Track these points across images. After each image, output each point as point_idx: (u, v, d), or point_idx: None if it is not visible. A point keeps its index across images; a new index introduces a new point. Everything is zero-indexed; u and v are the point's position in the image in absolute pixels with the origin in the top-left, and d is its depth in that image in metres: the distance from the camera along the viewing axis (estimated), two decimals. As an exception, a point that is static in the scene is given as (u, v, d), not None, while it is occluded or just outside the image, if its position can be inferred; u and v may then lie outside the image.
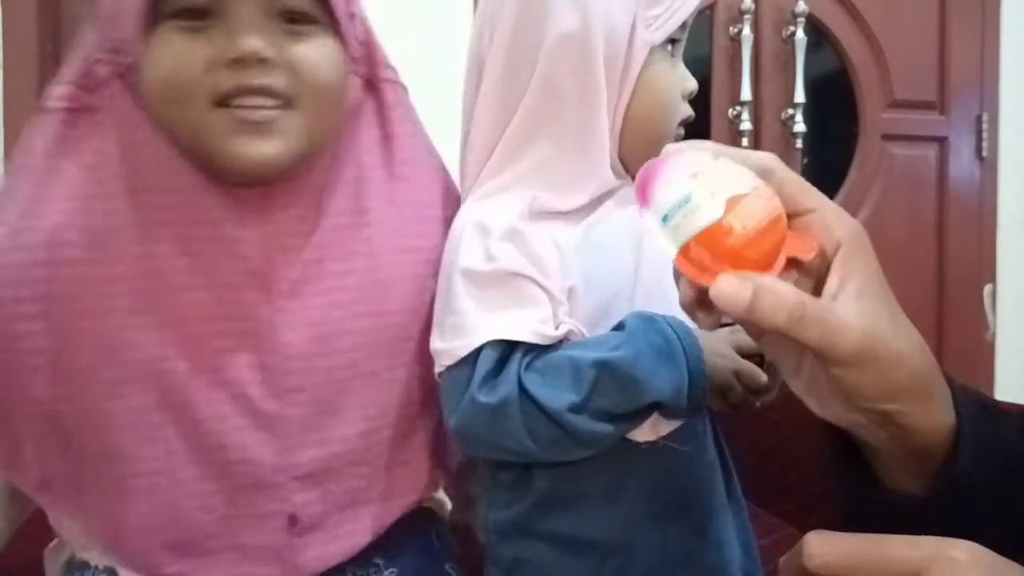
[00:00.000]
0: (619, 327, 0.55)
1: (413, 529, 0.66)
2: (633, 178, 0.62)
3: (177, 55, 0.49)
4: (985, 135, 1.90)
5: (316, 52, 0.52)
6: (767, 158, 0.40)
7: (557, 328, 0.54)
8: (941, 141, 1.90)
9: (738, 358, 0.57)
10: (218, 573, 0.56)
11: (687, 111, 0.62)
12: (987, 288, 1.91)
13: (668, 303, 0.59)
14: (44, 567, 0.66)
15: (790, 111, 1.78)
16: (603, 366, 0.52)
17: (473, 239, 0.56)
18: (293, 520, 0.57)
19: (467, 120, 0.62)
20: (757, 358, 0.57)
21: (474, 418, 0.53)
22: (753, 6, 1.74)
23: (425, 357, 0.58)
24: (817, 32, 1.82)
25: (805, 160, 1.82)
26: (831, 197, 1.66)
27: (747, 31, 1.74)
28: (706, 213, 0.36)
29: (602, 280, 0.58)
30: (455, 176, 0.66)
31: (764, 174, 0.39)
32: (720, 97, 1.76)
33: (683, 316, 0.60)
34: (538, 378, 0.53)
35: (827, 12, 1.81)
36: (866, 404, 0.38)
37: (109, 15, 0.51)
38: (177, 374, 0.53)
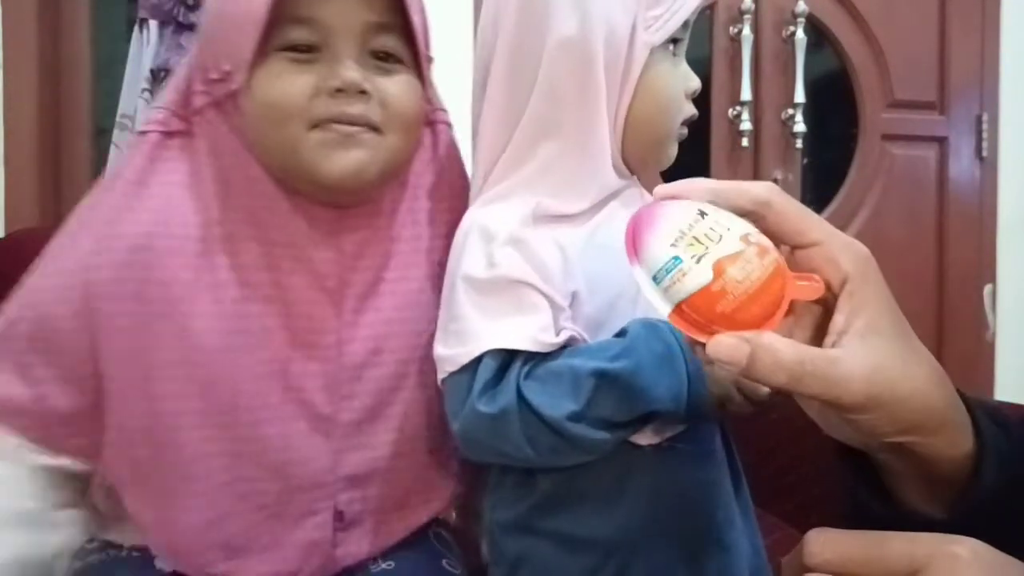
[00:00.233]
0: (621, 333, 0.55)
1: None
2: (634, 174, 0.63)
3: (286, 82, 0.55)
4: (985, 135, 1.90)
5: (402, 87, 0.58)
6: (764, 191, 0.38)
7: (558, 335, 0.55)
8: (941, 141, 1.90)
9: None
10: (263, 570, 0.59)
11: (690, 110, 0.62)
12: (987, 288, 1.91)
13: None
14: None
15: (790, 111, 1.78)
16: (603, 376, 0.52)
17: (476, 245, 0.57)
18: (339, 517, 0.61)
19: (475, 123, 0.63)
20: None
21: (475, 425, 0.54)
22: (753, 6, 1.75)
23: None
24: (817, 32, 1.82)
25: (805, 160, 1.82)
26: (831, 197, 1.67)
27: (747, 31, 1.74)
28: (694, 279, 0.35)
29: (606, 282, 0.58)
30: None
31: (762, 207, 0.38)
32: (720, 97, 1.77)
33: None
34: (538, 386, 0.53)
35: (827, 12, 1.82)
36: (880, 440, 0.37)
37: (218, 48, 0.57)
38: (248, 379, 0.57)
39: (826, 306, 0.38)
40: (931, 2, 1.87)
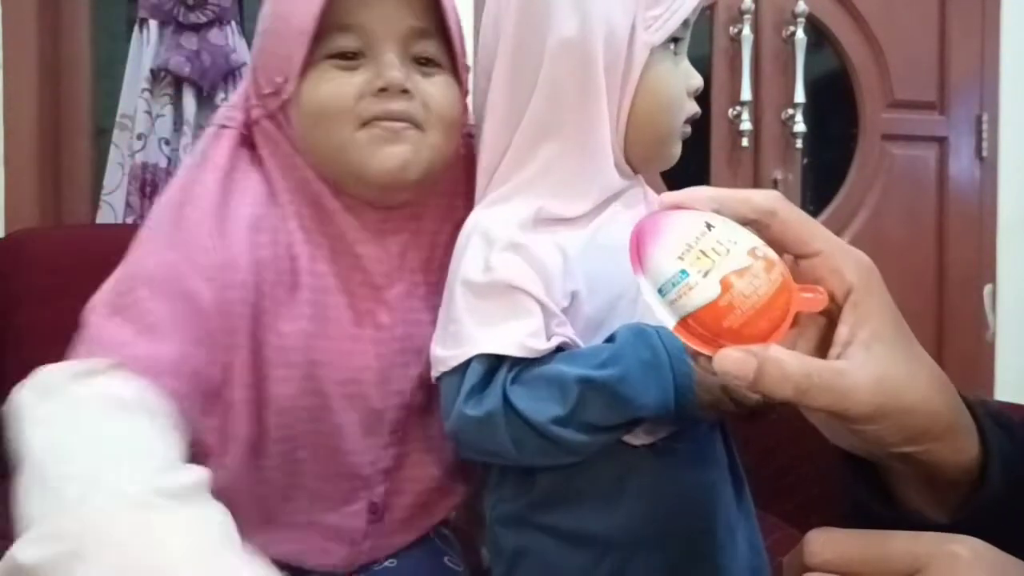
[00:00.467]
0: (611, 339, 0.56)
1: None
2: (638, 174, 0.63)
3: (333, 86, 0.58)
4: (985, 135, 1.90)
5: (442, 89, 0.61)
6: (769, 200, 0.38)
7: (549, 340, 0.55)
8: (941, 141, 1.90)
9: None
10: (295, 546, 0.63)
11: (692, 108, 0.62)
12: (987, 288, 1.91)
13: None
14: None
15: (790, 111, 1.78)
16: (588, 383, 0.53)
17: (476, 248, 0.57)
18: (373, 508, 0.64)
19: (478, 125, 0.63)
20: None
21: (463, 426, 0.55)
22: (753, 6, 1.75)
23: None
24: (817, 32, 1.82)
25: (805, 160, 1.83)
26: (831, 197, 1.67)
27: (747, 31, 1.74)
28: (701, 293, 0.35)
29: (606, 282, 0.58)
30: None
31: (767, 216, 0.38)
32: (720, 97, 1.77)
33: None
34: (524, 391, 0.54)
35: (827, 12, 1.82)
36: (886, 449, 0.37)
37: (270, 62, 0.60)
38: (320, 366, 0.60)
39: (829, 317, 0.38)
40: (931, 2, 1.87)
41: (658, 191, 0.65)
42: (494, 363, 0.55)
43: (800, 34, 1.76)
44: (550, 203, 0.58)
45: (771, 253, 0.37)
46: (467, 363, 0.55)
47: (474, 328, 0.55)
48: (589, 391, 0.53)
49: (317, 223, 0.61)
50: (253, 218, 0.59)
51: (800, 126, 1.77)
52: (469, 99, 0.65)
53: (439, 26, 0.61)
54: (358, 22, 0.58)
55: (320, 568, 0.65)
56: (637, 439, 0.57)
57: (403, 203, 0.63)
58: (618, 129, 0.59)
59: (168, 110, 1.48)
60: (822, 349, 0.38)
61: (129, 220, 1.44)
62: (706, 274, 0.35)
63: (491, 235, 0.57)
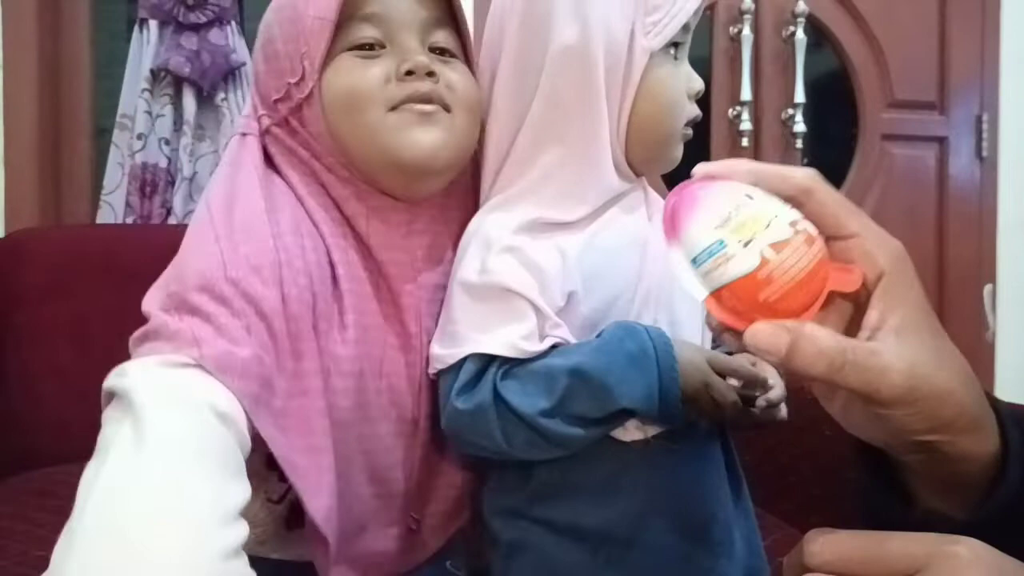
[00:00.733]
0: (599, 335, 0.57)
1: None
2: (639, 176, 0.63)
3: (358, 74, 0.58)
4: (985, 135, 1.90)
5: (461, 75, 0.61)
6: (807, 178, 0.37)
7: (542, 341, 0.56)
8: (941, 141, 1.91)
9: (710, 372, 0.56)
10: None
11: (694, 111, 0.62)
12: (987, 288, 1.91)
13: (668, 309, 0.60)
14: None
15: (790, 111, 1.78)
16: (575, 373, 0.54)
17: (475, 251, 0.58)
18: (415, 522, 0.64)
19: (484, 120, 0.64)
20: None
21: (455, 420, 0.57)
22: (753, 6, 1.75)
23: None
24: (817, 32, 1.82)
25: (805, 160, 1.82)
26: (831, 197, 1.61)
27: (747, 31, 1.74)
28: (740, 264, 0.34)
29: (603, 284, 0.59)
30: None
31: (803, 194, 0.37)
32: (720, 97, 1.77)
33: (683, 320, 0.61)
34: (514, 384, 0.56)
35: (827, 12, 1.82)
36: (910, 437, 0.36)
37: (277, 65, 0.59)
38: (364, 376, 0.58)
39: (856, 301, 0.37)
40: (931, 2, 1.87)
41: (658, 191, 0.65)
42: (486, 362, 0.57)
43: (800, 34, 1.76)
44: (550, 211, 0.59)
45: (811, 228, 0.36)
46: (462, 361, 0.57)
47: (469, 328, 0.57)
48: (575, 381, 0.54)
49: (341, 229, 0.60)
50: (295, 222, 0.57)
51: (800, 126, 1.77)
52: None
53: (450, 17, 0.62)
54: (376, 12, 0.58)
55: None
56: (629, 435, 0.58)
57: (428, 201, 0.62)
58: (619, 133, 0.60)
59: (168, 110, 1.48)
60: (847, 334, 0.37)
61: (129, 220, 1.43)
62: (746, 244, 0.34)
63: (489, 239, 0.58)
